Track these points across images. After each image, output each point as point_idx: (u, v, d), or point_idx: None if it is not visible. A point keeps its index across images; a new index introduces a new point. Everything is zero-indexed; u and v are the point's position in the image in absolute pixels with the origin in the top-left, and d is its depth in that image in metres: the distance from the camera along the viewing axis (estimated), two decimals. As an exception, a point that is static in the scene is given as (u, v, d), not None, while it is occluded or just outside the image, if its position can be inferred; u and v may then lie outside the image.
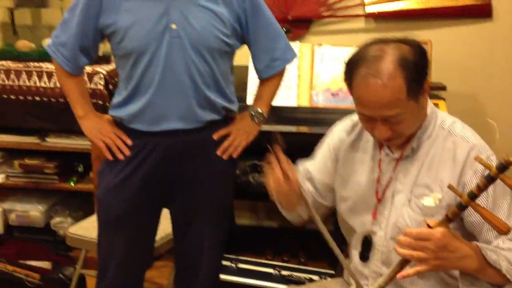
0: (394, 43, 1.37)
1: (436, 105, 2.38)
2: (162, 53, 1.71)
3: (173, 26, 1.70)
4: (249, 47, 1.88)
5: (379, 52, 1.35)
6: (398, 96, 1.32)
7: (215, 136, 1.84)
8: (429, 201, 1.42)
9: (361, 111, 1.39)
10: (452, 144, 1.42)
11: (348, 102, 2.53)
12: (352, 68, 1.37)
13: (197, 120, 1.79)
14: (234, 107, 1.91)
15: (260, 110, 1.92)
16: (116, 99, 1.84)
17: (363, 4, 2.84)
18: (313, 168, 1.66)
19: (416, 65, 1.34)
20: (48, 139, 2.74)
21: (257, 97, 1.95)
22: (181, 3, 1.70)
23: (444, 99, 2.55)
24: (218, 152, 1.85)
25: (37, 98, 2.60)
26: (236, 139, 1.88)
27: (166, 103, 1.75)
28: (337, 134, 1.63)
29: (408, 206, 1.44)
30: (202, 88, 1.76)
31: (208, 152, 1.85)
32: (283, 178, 1.43)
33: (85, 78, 2.53)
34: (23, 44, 2.77)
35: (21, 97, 2.62)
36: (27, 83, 2.60)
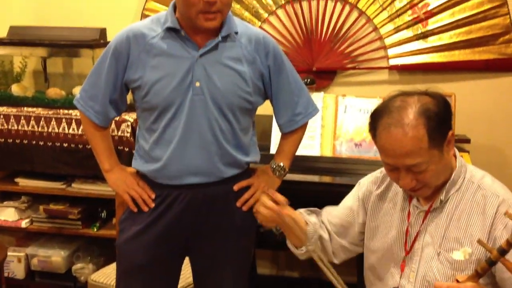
0: (417, 95, 1.41)
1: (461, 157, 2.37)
2: (185, 109, 1.74)
3: (197, 84, 1.73)
4: (272, 102, 1.91)
5: (402, 103, 1.38)
6: (420, 146, 1.34)
7: (236, 187, 1.85)
8: (458, 255, 1.40)
9: (385, 160, 1.41)
10: (481, 197, 1.41)
11: (371, 153, 2.53)
12: (376, 118, 1.41)
13: (218, 175, 1.80)
14: (257, 159, 1.92)
15: (281, 164, 1.93)
16: (137, 153, 1.87)
17: (386, 57, 2.88)
18: (337, 211, 1.68)
19: (438, 115, 1.36)
20: (73, 185, 2.77)
21: (279, 151, 1.97)
22: (205, 61, 1.74)
23: (468, 152, 2.54)
24: (238, 204, 1.86)
25: (65, 145, 2.65)
26: (257, 191, 1.88)
27: (187, 159, 1.77)
28: (366, 185, 1.64)
29: (437, 259, 1.42)
30: (224, 145, 1.78)
31: (229, 204, 1.85)
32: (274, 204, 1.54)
33: (113, 125, 2.59)
34: (54, 92, 2.85)
35: (49, 143, 2.67)
36: (56, 130, 2.66)
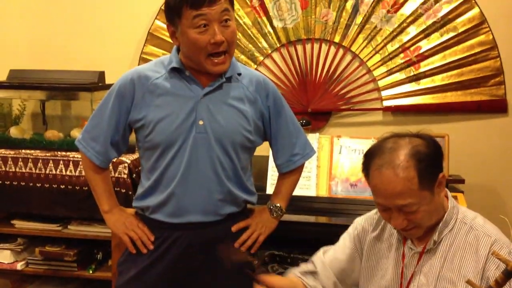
0: (409, 137, 1.44)
1: (455, 197, 2.39)
2: (187, 147, 1.76)
3: (200, 122, 1.76)
4: (270, 143, 1.95)
5: (394, 145, 1.42)
6: (410, 186, 1.37)
7: (234, 229, 1.87)
8: None
9: (377, 200, 1.44)
10: (474, 238, 1.43)
11: (367, 193, 2.55)
12: (369, 159, 1.45)
13: (218, 213, 1.82)
14: (254, 199, 1.94)
15: (278, 205, 1.95)
16: (139, 190, 1.89)
17: (380, 98, 2.93)
18: (334, 254, 1.68)
19: (428, 157, 1.39)
20: (70, 227, 2.77)
21: (276, 192, 1.99)
22: (209, 100, 1.78)
23: (462, 192, 2.55)
24: (236, 245, 1.87)
25: (62, 186, 2.66)
26: (255, 232, 1.90)
27: (188, 197, 1.79)
28: (361, 224, 1.66)
29: (433, 300, 1.42)
30: (225, 182, 1.80)
31: (228, 244, 1.85)
32: None
33: (110, 166, 2.60)
34: (52, 134, 2.87)
35: (46, 185, 2.68)
36: (53, 171, 2.67)
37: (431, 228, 1.46)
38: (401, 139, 1.44)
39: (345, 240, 1.68)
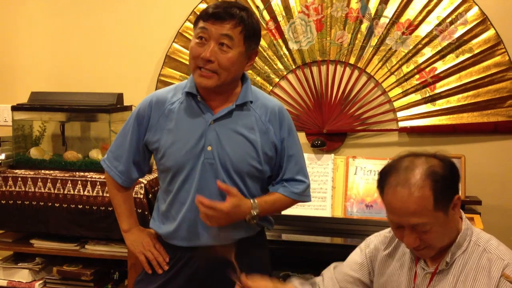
0: (425, 157, 1.44)
1: (471, 219, 2.37)
2: (196, 172, 1.79)
3: (209, 148, 1.78)
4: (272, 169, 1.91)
5: (410, 164, 1.42)
6: (425, 206, 1.37)
7: (219, 184, 1.77)
8: None
9: (390, 217, 1.44)
10: (487, 261, 1.42)
11: (382, 214, 2.53)
12: (384, 177, 1.45)
13: (229, 238, 1.83)
14: (268, 224, 1.95)
15: (255, 213, 1.80)
16: (155, 212, 1.92)
17: (396, 119, 2.93)
18: (342, 268, 1.69)
19: (444, 178, 1.39)
20: (87, 246, 2.80)
21: (263, 199, 1.86)
22: (218, 127, 1.79)
23: (479, 214, 2.53)
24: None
25: (80, 206, 2.70)
26: (224, 207, 1.75)
27: (199, 222, 1.80)
28: (373, 242, 1.66)
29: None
30: None
31: (241, 264, 1.85)
32: None
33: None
34: (71, 155, 2.92)
35: (64, 205, 2.72)
36: (72, 192, 2.71)
37: (444, 249, 1.46)
38: (417, 158, 1.45)
39: (356, 255, 1.68)
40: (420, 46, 2.88)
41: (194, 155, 1.79)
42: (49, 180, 2.74)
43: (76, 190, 2.71)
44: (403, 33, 2.89)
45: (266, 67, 3.03)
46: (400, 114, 2.92)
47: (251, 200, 1.80)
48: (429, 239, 1.40)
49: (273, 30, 3.01)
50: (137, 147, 1.89)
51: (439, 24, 2.85)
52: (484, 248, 1.45)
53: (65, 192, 2.72)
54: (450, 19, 2.83)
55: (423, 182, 1.38)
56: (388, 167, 1.48)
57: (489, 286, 1.39)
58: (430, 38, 2.86)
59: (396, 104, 2.92)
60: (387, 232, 1.66)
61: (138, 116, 1.86)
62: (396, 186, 1.41)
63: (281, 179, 1.90)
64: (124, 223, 1.96)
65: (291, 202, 1.92)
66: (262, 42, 3.01)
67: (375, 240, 1.66)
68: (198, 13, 1.81)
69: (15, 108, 2.95)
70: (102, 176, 2.69)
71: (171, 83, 2.91)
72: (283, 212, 2.58)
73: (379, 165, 2.67)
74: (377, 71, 2.93)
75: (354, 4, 2.91)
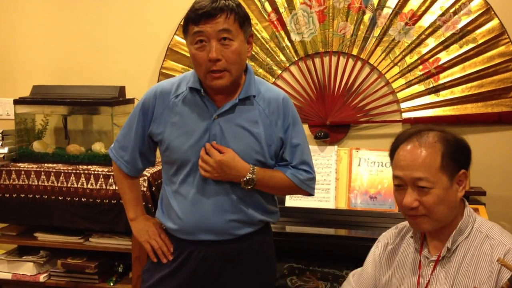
0: (442, 130, 1.52)
1: (476, 210, 2.37)
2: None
3: (213, 143, 1.78)
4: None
5: (426, 129, 1.51)
6: (432, 164, 1.43)
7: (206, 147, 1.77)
8: None
9: (395, 173, 1.49)
10: (489, 247, 1.44)
11: (386, 205, 2.54)
12: (401, 139, 1.52)
13: (231, 233, 1.83)
14: (273, 218, 1.92)
15: (251, 177, 1.79)
16: (161, 201, 1.93)
17: (399, 110, 2.92)
18: (359, 277, 1.72)
19: (455, 148, 1.46)
20: (91, 239, 2.80)
21: (264, 169, 1.84)
22: (222, 121, 1.79)
23: (484, 204, 2.53)
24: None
25: (83, 199, 2.70)
26: (217, 161, 1.75)
27: (201, 216, 1.80)
28: (381, 242, 1.70)
29: (448, 308, 1.43)
30: (238, 203, 1.81)
31: (242, 261, 1.86)
32: None
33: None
34: (74, 148, 2.92)
35: (68, 198, 2.72)
36: (75, 185, 2.71)
37: (444, 233, 1.48)
38: (433, 129, 1.52)
39: (369, 259, 1.73)
40: (423, 36, 2.86)
41: (198, 149, 1.79)
42: (52, 174, 2.74)
43: (80, 183, 2.71)
44: (406, 24, 2.87)
45: (268, 59, 3.02)
46: (403, 105, 2.91)
47: (250, 165, 1.78)
48: (428, 202, 1.44)
49: (275, 22, 3.00)
50: (143, 137, 1.89)
51: (442, 14, 2.83)
52: (486, 234, 1.47)
53: (69, 185, 2.72)
54: (453, 9, 2.82)
55: (434, 143, 1.46)
56: (402, 134, 1.55)
57: (490, 271, 1.41)
58: (434, 28, 2.85)
59: (400, 95, 2.91)
60: (393, 228, 1.69)
61: (143, 107, 1.87)
62: (408, 145, 1.48)
63: (287, 165, 1.89)
64: (130, 211, 1.98)
65: (291, 187, 1.86)
66: (264, 34, 3.00)
67: (383, 239, 1.71)
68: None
69: (17, 102, 2.95)
70: (105, 169, 2.69)
71: (173, 76, 2.89)
72: (287, 204, 2.60)
73: (383, 156, 2.67)
74: (380, 62, 2.92)
75: (357, -5, 2.90)
